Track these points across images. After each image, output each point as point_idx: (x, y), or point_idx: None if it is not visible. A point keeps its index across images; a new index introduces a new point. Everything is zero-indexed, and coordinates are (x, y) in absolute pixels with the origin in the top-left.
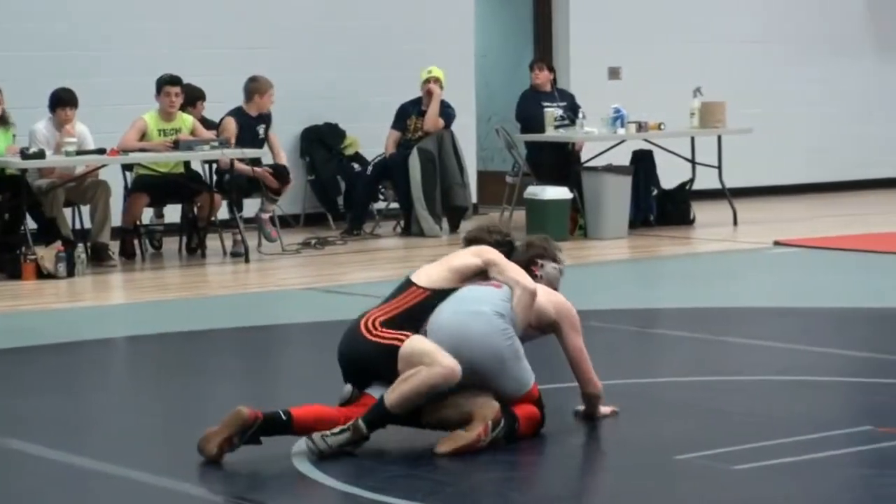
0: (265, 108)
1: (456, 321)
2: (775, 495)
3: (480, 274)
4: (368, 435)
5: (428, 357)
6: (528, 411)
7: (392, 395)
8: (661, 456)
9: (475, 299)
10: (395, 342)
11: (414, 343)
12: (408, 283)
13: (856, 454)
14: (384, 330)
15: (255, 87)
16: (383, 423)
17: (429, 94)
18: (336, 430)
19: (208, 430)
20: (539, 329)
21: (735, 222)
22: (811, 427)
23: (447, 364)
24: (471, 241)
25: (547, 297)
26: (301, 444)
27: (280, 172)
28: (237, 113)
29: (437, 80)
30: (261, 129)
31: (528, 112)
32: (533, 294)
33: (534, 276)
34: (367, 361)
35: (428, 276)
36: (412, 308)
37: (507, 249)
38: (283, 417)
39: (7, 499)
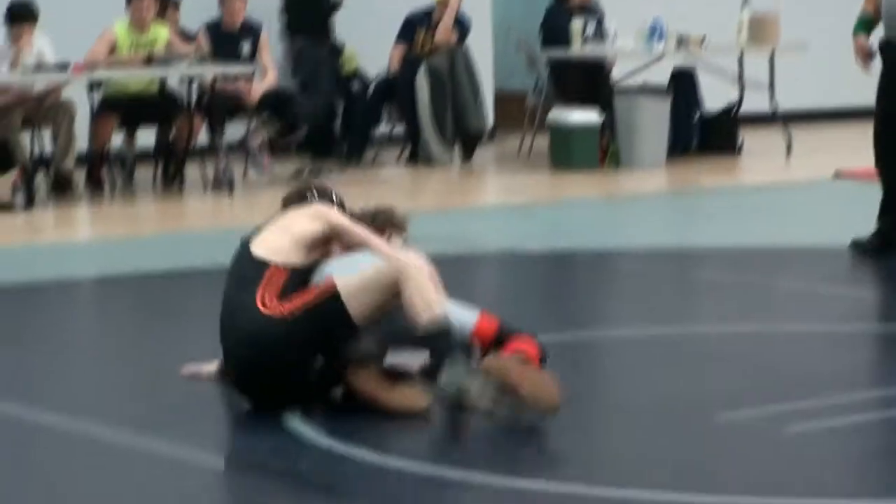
0: (235, 18)
1: None
2: (830, 461)
3: (325, 242)
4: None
5: (388, 269)
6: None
7: (436, 311)
8: (702, 415)
9: None
10: (327, 292)
11: (353, 275)
12: (262, 264)
13: None
14: (288, 301)
15: None
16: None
17: (444, 3)
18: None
19: None
20: None
21: (789, 151)
22: (873, 383)
23: (407, 261)
24: (291, 200)
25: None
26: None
27: (282, 97)
28: (212, 26)
29: None
30: (245, 45)
31: (554, 25)
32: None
33: None
34: (288, 344)
35: (271, 247)
36: (282, 292)
37: (340, 211)
38: None
39: None
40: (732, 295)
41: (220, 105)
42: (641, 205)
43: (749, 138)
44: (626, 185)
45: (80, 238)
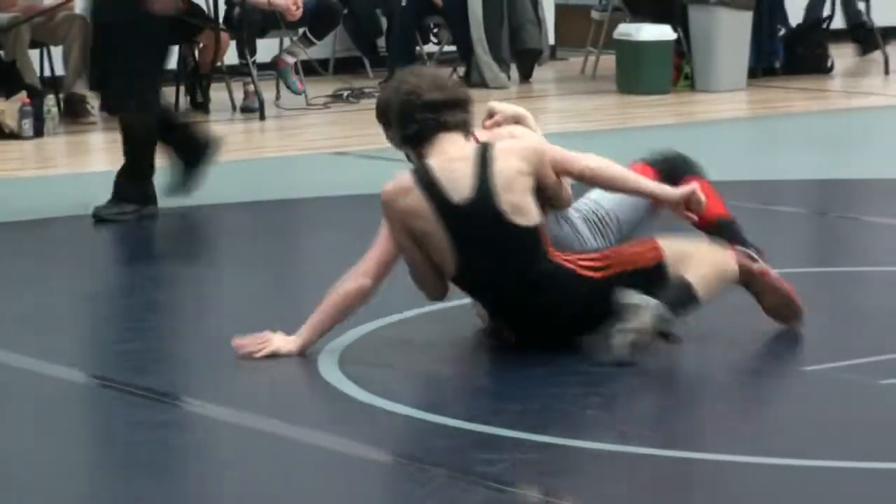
0: None
1: None
2: None
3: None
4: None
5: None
6: None
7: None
8: (787, 366)
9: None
10: (652, 254)
11: (679, 244)
12: (530, 231)
13: None
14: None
15: None
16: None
17: None
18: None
19: None
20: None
21: (886, 71)
22: None
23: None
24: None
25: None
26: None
27: (326, 10)
28: None
29: None
30: None
31: None
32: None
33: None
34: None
35: (521, 210)
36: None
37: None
38: None
39: None
40: (821, 233)
41: (250, 20)
42: (719, 131)
43: (840, 57)
44: (701, 109)
45: (94, 167)
